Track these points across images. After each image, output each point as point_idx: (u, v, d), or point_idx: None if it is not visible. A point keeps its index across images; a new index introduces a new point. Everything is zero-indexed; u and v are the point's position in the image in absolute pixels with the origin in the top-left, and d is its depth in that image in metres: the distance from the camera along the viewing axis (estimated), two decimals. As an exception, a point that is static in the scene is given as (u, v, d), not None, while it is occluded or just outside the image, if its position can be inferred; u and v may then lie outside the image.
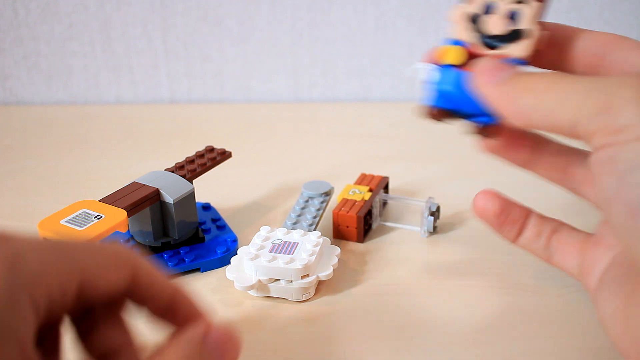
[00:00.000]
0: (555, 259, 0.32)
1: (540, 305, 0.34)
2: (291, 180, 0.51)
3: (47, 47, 0.71)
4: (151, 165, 0.48)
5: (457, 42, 0.29)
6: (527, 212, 0.32)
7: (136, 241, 0.39)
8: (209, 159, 0.42)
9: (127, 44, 0.71)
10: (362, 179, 0.44)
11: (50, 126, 0.66)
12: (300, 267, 0.34)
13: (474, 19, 0.29)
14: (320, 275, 0.35)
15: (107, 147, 0.60)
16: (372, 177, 0.45)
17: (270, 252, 0.35)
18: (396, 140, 0.60)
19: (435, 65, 0.29)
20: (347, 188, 0.43)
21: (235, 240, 0.40)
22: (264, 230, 0.38)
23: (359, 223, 0.40)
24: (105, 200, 0.36)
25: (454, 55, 0.29)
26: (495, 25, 0.29)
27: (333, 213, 0.41)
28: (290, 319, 0.34)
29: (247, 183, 0.50)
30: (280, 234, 0.37)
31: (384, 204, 0.45)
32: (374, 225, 0.42)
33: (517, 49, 0.28)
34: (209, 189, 0.47)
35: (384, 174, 0.46)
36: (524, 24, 0.28)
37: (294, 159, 0.56)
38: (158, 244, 0.38)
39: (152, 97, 0.74)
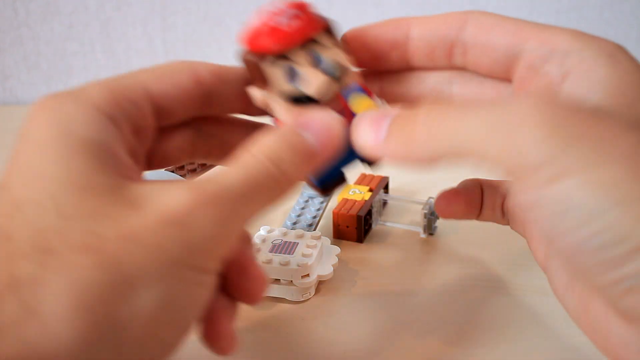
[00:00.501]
0: (512, 225, 0.31)
1: (541, 305, 0.34)
2: (291, 180, 0.51)
3: (47, 47, 0.71)
4: (151, 165, 0.48)
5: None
6: (481, 187, 0.31)
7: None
8: (209, 159, 0.42)
9: (127, 44, 0.71)
10: (362, 179, 0.44)
11: (50, 126, 0.66)
12: (299, 267, 0.34)
13: (293, 94, 0.26)
14: (320, 275, 0.35)
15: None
16: (372, 177, 0.45)
17: (270, 252, 0.35)
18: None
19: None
20: (347, 188, 0.43)
21: (235, 240, 0.40)
22: (263, 230, 0.38)
23: (359, 223, 0.40)
24: (105, 200, 0.36)
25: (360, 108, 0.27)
26: (313, 83, 0.26)
27: (333, 213, 0.41)
28: (290, 319, 0.34)
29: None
30: (280, 234, 0.37)
31: (384, 204, 0.45)
32: (374, 225, 0.42)
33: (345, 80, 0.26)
34: (209, 189, 0.47)
35: (384, 174, 0.46)
36: (330, 58, 0.26)
37: (294, 159, 0.56)
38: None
39: (152, 97, 0.74)
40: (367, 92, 0.27)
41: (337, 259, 0.36)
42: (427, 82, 0.29)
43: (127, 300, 0.19)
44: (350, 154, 0.26)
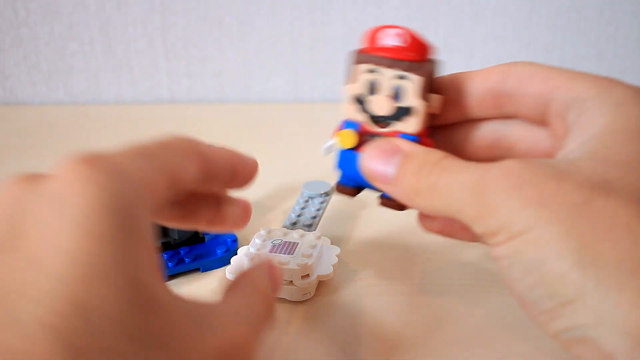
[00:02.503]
0: None
1: (540, 305, 0.34)
2: (291, 180, 0.51)
3: (47, 47, 0.71)
4: (151, 165, 0.48)
5: (349, 124, 0.30)
6: None
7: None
8: (209, 159, 0.42)
9: (127, 44, 0.71)
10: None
11: (50, 126, 0.66)
12: (299, 267, 0.34)
13: (360, 100, 0.29)
14: (320, 275, 0.35)
15: (107, 147, 0.60)
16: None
17: (270, 252, 0.35)
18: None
19: (337, 146, 0.30)
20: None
21: (235, 240, 0.40)
22: (263, 230, 0.38)
23: None
24: (105, 200, 0.36)
25: (344, 141, 0.29)
26: (380, 105, 0.29)
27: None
28: (290, 319, 0.34)
29: (247, 183, 0.50)
30: (280, 234, 0.37)
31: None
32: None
33: (406, 126, 0.28)
34: (209, 189, 0.47)
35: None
36: (408, 100, 0.28)
37: (293, 159, 0.56)
38: (158, 244, 0.38)
39: (152, 97, 0.74)
40: (425, 143, 0.29)
41: (337, 259, 0.36)
42: (484, 129, 0.31)
43: None
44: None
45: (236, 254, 0.37)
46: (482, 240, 0.26)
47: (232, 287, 0.25)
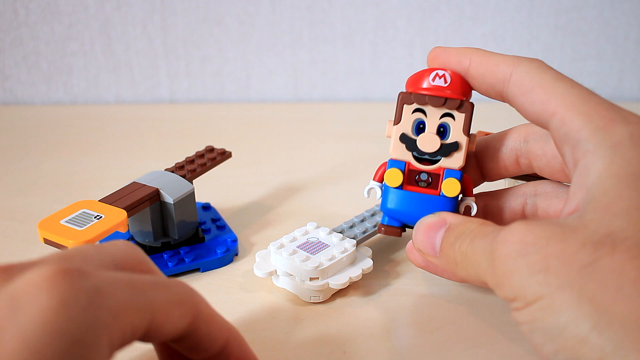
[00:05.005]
0: None
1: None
2: (291, 180, 0.51)
3: (47, 47, 0.71)
4: (151, 165, 0.48)
5: (394, 163, 0.31)
6: None
7: (136, 241, 0.39)
8: (209, 159, 0.42)
9: (127, 44, 0.71)
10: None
11: (50, 126, 0.66)
12: (311, 268, 0.34)
13: (406, 139, 0.31)
14: (330, 282, 0.34)
15: (107, 147, 0.60)
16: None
17: (299, 247, 0.35)
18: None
19: (381, 186, 0.32)
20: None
21: (235, 240, 0.40)
22: (310, 226, 0.37)
23: None
24: (105, 200, 0.36)
25: (390, 180, 0.31)
26: (427, 143, 0.30)
27: None
28: (290, 319, 0.34)
29: (247, 183, 0.50)
30: (323, 234, 0.37)
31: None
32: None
33: (452, 162, 0.31)
34: (209, 189, 0.47)
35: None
36: (453, 137, 0.30)
37: (294, 159, 0.56)
38: (158, 244, 0.38)
39: (152, 97, 0.74)
40: (465, 180, 0.31)
41: (360, 272, 0.35)
42: (519, 194, 0.33)
43: None
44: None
45: (236, 254, 0.37)
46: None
47: None
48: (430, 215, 0.29)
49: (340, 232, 0.38)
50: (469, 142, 0.31)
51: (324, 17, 0.70)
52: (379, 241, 0.41)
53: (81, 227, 0.33)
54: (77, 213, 0.34)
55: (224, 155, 0.43)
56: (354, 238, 0.37)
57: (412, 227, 0.31)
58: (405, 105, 0.31)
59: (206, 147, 0.43)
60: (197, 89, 0.74)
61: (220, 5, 0.70)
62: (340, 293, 0.36)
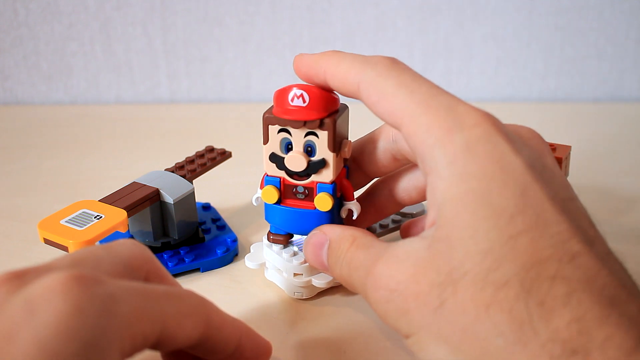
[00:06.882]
0: None
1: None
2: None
3: (47, 47, 0.71)
4: (151, 165, 0.48)
5: (270, 180, 0.32)
6: None
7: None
8: (209, 159, 0.42)
9: (127, 44, 0.71)
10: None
11: (50, 126, 0.66)
12: (296, 264, 0.34)
13: (276, 158, 0.31)
14: (314, 280, 0.34)
15: (107, 147, 0.60)
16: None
17: (294, 242, 0.35)
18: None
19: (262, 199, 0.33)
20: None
21: (235, 240, 0.40)
22: None
23: None
24: (105, 200, 0.36)
25: (267, 197, 0.32)
26: (293, 163, 0.31)
27: None
28: (290, 319, 0.34)
29: (247, 183, 0.50)
30: None
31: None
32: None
33: (322, 177, 0.31)
34: (209, 189, 0.47)
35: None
36: (320, 154, 0.30)
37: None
38: (158, 244, 0.38)
39: (152, 97, 0.74)
40: (343, 186, 0.32)
41: None
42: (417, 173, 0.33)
43: None
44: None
45: (236, 254, 0.37)
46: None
47: None
48: (314, 231, 0.30)
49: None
50: (338, 155, 0.31)
51: (324, 17, 0.70)
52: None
53: (81, 227, 0.33)
54: (77, 213, 0.34)
55: (224, 155, 0.43)
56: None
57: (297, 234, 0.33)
58: (270, 126, 0.30)
59: (206, 147, 0.43)
60: (197, 89, 0.74)
61: (220, 5, 0.70)
62: (340, 293, 0.36)
